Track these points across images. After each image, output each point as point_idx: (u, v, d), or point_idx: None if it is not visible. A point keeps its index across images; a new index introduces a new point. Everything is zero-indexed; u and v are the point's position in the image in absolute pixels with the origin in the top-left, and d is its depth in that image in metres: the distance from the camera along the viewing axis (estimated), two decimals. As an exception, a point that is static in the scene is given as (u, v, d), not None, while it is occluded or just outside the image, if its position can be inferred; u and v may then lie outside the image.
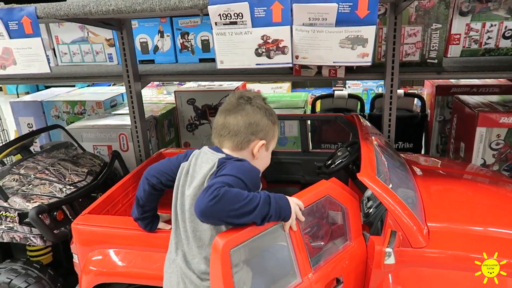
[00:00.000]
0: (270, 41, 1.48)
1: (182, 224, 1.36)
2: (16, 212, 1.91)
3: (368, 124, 2.13)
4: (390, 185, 1.50)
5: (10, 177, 2.11)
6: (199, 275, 1.31)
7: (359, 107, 3.24)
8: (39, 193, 2.02)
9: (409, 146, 3.09)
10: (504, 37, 2.48)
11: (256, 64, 1.53)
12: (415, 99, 3.18)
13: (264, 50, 1.50)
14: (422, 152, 3.22)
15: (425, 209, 1.56)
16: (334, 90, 3.87)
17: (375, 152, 1.64)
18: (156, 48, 2.98)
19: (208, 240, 1.29)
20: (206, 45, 2.88)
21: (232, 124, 1.34)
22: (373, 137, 1.87)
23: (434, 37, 2.33)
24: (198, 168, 1.35)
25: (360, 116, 2.16)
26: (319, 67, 2.29)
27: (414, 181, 1.78)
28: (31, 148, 2.51)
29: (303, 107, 3.09)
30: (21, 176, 2.12)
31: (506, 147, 2.19)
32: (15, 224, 1.91)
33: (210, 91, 3.21)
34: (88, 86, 4.17)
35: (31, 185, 2.07)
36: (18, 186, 2.05)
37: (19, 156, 2.44)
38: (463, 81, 2.95)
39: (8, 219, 1.91)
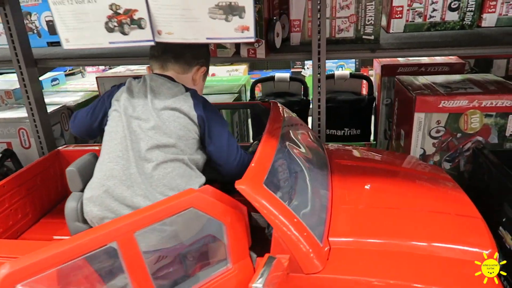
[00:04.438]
0: (121, 11, 1.14)
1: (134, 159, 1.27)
2: None
3: (290, 113, 1.82)
4: (290, 194, 1.21)
5: None
6: None
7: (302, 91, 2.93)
8: None
9: (356, 132, 2.80)
10: (450, 9, 2.18)
11: (110, 43, 1.19)
12: (363, 80, 2.89)
13: (116, 24, 1.16)
14: (371, 138, 2.94)
15: (332, 220, 1.27)
16: (277, 73, 3.49)
17: (277, 151, 1.34)
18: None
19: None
20: (52, 27, 2.49)
21: (175, 47, 1.36)
22: (286, 130, 1.57)
23: (369, 10, 2.00)
24: (155, 95, 1.34)
25: (278, 104, 1.83)
26: (237, 47, 1.95)
27: (329, 184, 1.48)
28: None
29: (237, 93, 2.75)
30: None
31: (447, 135, 1.91)
32: None
33: (139, 76, 2.85)
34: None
35: None
36: None
37: None
38: (412, 60, 2.66)
39: None
